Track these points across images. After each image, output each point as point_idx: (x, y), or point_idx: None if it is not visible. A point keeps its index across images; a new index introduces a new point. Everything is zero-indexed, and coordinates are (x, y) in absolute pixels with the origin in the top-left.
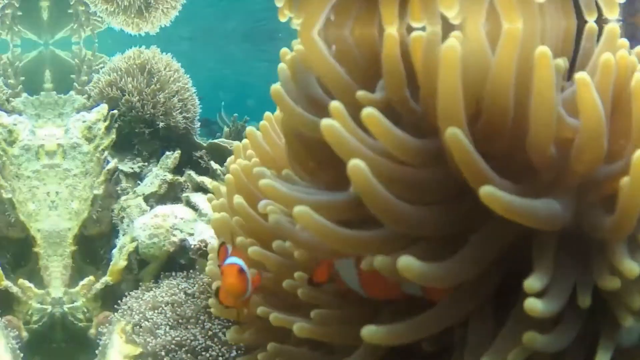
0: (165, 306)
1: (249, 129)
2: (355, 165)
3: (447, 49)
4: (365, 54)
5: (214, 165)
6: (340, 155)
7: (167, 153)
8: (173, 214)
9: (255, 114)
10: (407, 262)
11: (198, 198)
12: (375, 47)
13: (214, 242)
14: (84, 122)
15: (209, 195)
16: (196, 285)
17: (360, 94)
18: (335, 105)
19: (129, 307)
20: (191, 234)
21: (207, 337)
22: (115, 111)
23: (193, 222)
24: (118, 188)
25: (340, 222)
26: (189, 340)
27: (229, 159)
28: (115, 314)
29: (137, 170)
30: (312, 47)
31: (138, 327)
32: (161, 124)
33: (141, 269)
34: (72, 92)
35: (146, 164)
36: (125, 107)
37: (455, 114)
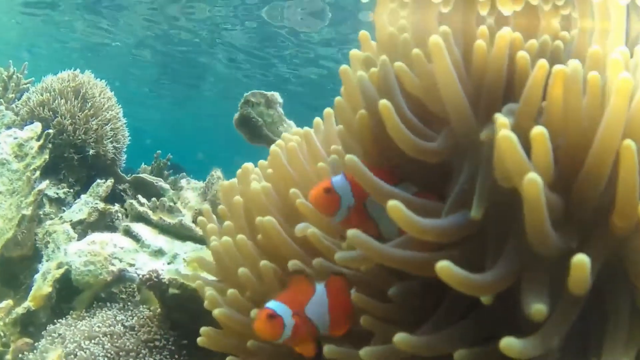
0: (103, 337)
1: (273, 149)
2: (534, 179)
3: (624, 81)
4: (475, 74)
5: (142, 199)
6: (510, 166)
7: (99, 181)
8: (112, 242)
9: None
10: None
11: (140, 228)
12: (488, 70)
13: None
14: (15, 138)
15: (200, 218)
16: (135, 317)
17: (498, 116)
18: (503, 120)
19: (60, 335)
20: (132, 265)
21: None
22: (51, 131)
23: (134, 253)
24: (41, 212)
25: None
26: None
27: (228, 182)
28: (43, 340)
29: (62, 196)
30: (440, 59)
31: (72, 356)
32: (91, 151)
33: (64, 297)
34: (1, 107)
35: (71, 190)
36: (56, 130)
37: (616, 142)
